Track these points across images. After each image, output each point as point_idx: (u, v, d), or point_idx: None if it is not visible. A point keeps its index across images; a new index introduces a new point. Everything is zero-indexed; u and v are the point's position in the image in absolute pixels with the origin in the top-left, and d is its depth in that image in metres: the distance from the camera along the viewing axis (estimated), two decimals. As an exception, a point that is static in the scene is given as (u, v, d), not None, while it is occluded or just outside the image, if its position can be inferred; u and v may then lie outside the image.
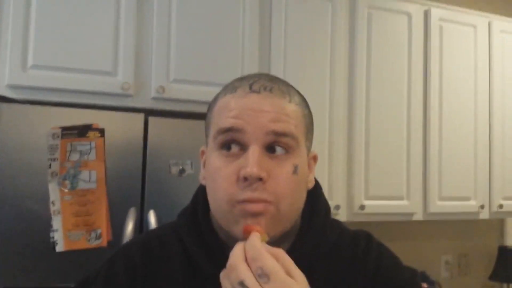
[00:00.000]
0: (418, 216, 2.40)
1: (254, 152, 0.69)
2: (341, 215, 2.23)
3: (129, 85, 1.80)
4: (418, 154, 2.40)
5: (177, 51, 1.90)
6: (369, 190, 2.29)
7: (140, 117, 1.56)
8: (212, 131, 0.75)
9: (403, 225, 2.71)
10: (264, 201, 0.70)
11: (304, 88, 2.17)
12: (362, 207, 2.25)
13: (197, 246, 0.78)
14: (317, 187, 0.85)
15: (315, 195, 0.84)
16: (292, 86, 0.80)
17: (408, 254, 2.71)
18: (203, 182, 0.79)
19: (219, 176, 0.71)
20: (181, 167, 1.55)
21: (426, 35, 2.46)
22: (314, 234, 0.80)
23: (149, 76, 1.86)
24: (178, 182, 1.53)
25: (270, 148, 0.72)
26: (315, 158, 0.82)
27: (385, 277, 0.84)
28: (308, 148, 0.79)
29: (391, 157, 2.34)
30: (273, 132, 0.71)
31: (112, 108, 1.60)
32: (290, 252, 0.74)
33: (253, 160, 0.69)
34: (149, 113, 1.59)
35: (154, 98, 1.85)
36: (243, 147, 0.71)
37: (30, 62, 1.69)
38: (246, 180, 0.69)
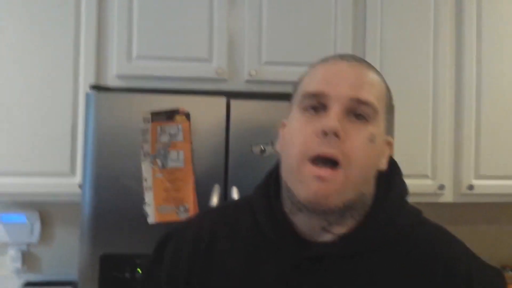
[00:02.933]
0: (538, 197, 2.13)
1: (336, 110, 0.71)
2: (446, 196, 2.06)
3: (223, 70, 1.87)
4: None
5: (268, 34, 1.90)
6: (480, 168, 2.08)
7: (223, 100, 1.61)
8: (299, 94, 0.77)
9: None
10: (336, 162, 0.70)
11: (404, 61, 2.05)
12: (471, 187, 2.06)
13: (264, 214, 0.81)
14: (395, 169, 0.82)
15: (392, 177, 0.81)
16: (376, 69, 0.81)
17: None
18: (279, 151, 0.81)
19: (298, 134, 0.73)
20: (262, 147, 1.57)
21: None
22: (383, 215, 0.77)
23: (242, 60, 1.90)
24: (259, 161, 1.56)
25: (350, 113, 0.72)
26: (390, 144, 0.80)
27: None
28: (386, 127, 0.77)
29: (506, 132, 2.09)
30: (356, 99, 0.72)
31: (204, 93, 1.67)
32: (356, 230, 0.77)
33: (333, 116, 0.70)
34: (231, 96, 1.63)
35: (247, 81, 1.89)
36: (326, 109, 0.72)
37: (134, 53, 1.83)
38: (324, 134, 0.70)
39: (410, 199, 0.84)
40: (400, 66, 2.00)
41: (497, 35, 2.09)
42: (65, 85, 1.81)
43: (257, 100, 1.65)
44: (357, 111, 0.72)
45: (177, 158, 1.54)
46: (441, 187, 2.04)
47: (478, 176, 2.08)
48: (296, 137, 0.73)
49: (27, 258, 2.09)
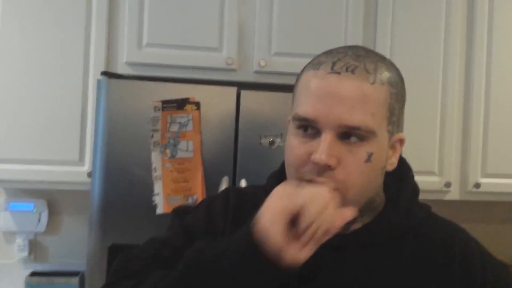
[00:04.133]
0: (545, 196, 2.10)
1: (326, 139, 0.69)
2: (453, 193, 2.04)
3: (233, 60, 1.84)
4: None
5: (279, 24, 1.87)
6: (487, 166, 2.05)
7: (233, 90, 1.58)
8: (293, 110, 0.75)
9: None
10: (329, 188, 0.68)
11: (413, 54, 2.02)
12: (478, 185, 2.03)
13: None
14: (405, 168, 0.82)
15: (403, 177, 0.82)
16: (383, 61, 0.75)
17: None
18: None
19: (292, 154, 0.73)
20: (271, 139, 1.55)
21: None
22: (400, 207, 0.79)
23: (252, 51, 1.87)
24: (268, 153, 1.54)
25: (344, 136, 0.70)
26: (401, 141, 0.78)
27: None
28: (391, 132, 0.75)
29: (514, 130, 2.07)
30: (345, 126, 0.69)
31: (214, 83, 1.65)
32: (373, 222, 0.77)
33: (323, 147, 0.68)
34: (241, 86, 1.61)
35: (257, 72, 1.87)
36: (318, 131, 0.71)
37: (145, 41, 1.80)
38: (315, 164, 0.69)
39: (417, 196, 0.84)
40: (410, 59, 1.97)
41: (509, 28, 2.06)
42: (75, 72, 1.78)
43: (267, 91, 1.62)
44: (350, 134, 0.70)
45: (187, 148, 1.52)
46: (448, 184, 2.01)
47: (485, 175, 2.05)
48: (291, 157, 0.73)
49: (34, 247, 2.07)
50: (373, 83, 0.70)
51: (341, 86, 0.69)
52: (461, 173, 2.05)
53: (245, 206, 0.82)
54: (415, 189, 0.83)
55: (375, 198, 0.78)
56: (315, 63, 0.74)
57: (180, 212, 0.88)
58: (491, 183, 2.04)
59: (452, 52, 2.02)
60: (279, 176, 0.83)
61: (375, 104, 0.70)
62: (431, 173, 2.01)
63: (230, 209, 0.83)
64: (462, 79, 2.04)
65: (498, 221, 2.40)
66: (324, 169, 0.69)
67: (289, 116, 0.80)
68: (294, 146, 0.73)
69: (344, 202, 0.68)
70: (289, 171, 0.74)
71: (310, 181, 0.69)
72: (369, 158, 0.70)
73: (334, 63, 0.71)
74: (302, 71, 0.77)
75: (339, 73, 0.70)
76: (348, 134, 0.70)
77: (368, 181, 0.72)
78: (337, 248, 0.75)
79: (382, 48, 1.93)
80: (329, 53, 0.74)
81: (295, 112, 0.73)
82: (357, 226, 0.77)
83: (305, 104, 0.72)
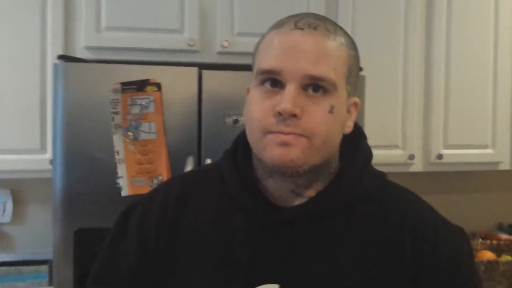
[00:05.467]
0: (505, 166, 2.16)
1: (290, 90, 0.69)
2: (416, 165, 2.07)
3: (195, 41, 1.81)
4: (506, 97, 2.13)
5: (240, 4, 1.85)
6: (448, 138, 2.09)
7: (194, 70, 1.55)
8: (255, 68, 0.74)
9: (486, 175, 2.45)
10: (296, 134, 0.69)
11: (375, 29, 2.04)
12: (440, 156, 2.07)
13: (233, 179, 0.79)
14: (359, 134, 0.82)
15: (357, 141, 0.81)
16: (340, 27, 0.76)
17: (493, 206, 2.48)
18: (244, 117, 0.79)
19: (256, 109, 0.72)
20: (235, 118, 1.53)
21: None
22: (350, 177, 0.78)
23: (214, 31, 1.84)
24: (232, 132, 1.51)
25: (307, 87, 0.71)
26: (356, 105, 0.79)
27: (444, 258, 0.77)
28: (349, 92, 0.75)
29: (474, 102, 2.10)
30: (310, 76, 0.70)
31: (177, 65, 1.61)
32: (324, 191, 0.76)
33: (288, 97, 0.69)
34: (203, 67, 1.58)
35: (220, 53, 1.84)
36: (282, 86, 0.71)
37: (103, 24, 1.75)
38: (280, 114, 0.69)
39: (381, 169, 0.84)
40: (372, 35, 1.98)
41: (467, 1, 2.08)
42: (33, 58, 1.72)
43: (229, 71, 1.60)
44: (313, 85, 0.70)
45: (149, 130, 1.49)
46: (411, 156, 2.04)
47: (447, 146, 2.09)
48: (254, 112, 0.72)
49: (1, 238, 2.02)
50: (334, 41, 0.72)
51: (304, 40, 0.71)
52: (424, 145, 2.08)
53: (187, 201, 0.82)
54: (368, 155, 0.82)
55: (331, 162, 0.78)
56: (277, 24, 0.75)
57: (113, 244, 0.86)
58: (453, 154, 2.09)
59: (412, 27, 2.04)
60: (233, 154, 0.82)
61: (337, 60, 0.72)
62: (394, 146, 2.03)
63: (167, 218, 0.81)
64: (422, 53, 2.06)
65: (461, 191, 2.46)
66: (289, 119, 0.69)
67: (248, 84, 0.79)
68: (258, 101, 0.72)
69: (310, 148, 0.70)
70: (252, 125, 0.73)
71: (277, 133, 0.69)
72: (331, 110, 0.71)
73: (296, 22, 0.73)
74: (263, 35, 0.77)
75: (302, 29, 0.71)
76: (311, 85, 0.70)
77: (331, 132, 0.72)
78: (286, 222, 0.75)
79: (344, 21, 1.92)
80: (291, 16, 0.75)
81: (258, 67, 0.73)
82: (311, 193, 0.77)
83: (269, 58, 0.72)
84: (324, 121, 0.70)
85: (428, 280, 0.75)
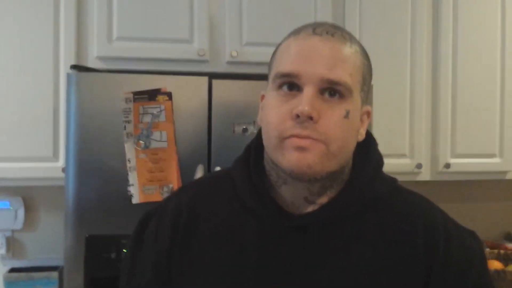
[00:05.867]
0: (513, 175, 2.15)
1: (308, 92, 0.70)
2: (424, 174, 2.07)
3: (204, 51, 1.83)
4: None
5: (249, 14, 1.86)
6: (456, 147, 2.09)
7: (205, 80, 1.57)
8: (273, 73, 0.75)
9: (494, 184, 2.44)
10: (313, 138, 0.70)
11: (381, 41, 2.04)
12: (448, 165, 2.07)
13: (245, 186, 0.80)
14: (370, 141, 0.83)
15: (368, 148, 0.82)
16: (355, 38, 0.78)
17: (500, 215, 2.46)
18: (260, 123, 0.80)
19: (273, 114, 0.73)
20: (244, 127, 1.55)
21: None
22: (362, 183, 0.78)
23: (223, 41, 1.87)
24: (241, 140, 1.53)
25: (324, 92, 0.72)
26: (368, 113, 0.80)
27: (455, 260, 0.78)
28: (363, 100, 0.77)
29: (481, 111, 2.09)
30: (327, 80, 0.71)
31: (186, 74, 1.63)
32: (336, 198, 0.77)
33: (306, 99, 0.69)
34: (213, 76, 1.60)
35: (229, 62, 1.86)
36: (299, 89, 0.72)
37: (115, 34, 1.77)
38: (297, 117, 0.69)
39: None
40: (379, 44, 1.99)
41: (474, 7, 2.09)
42: (46, 68, 1.75)
43: (238, 80, 1.61)
44: (330, 90, 0.71)
45: (160, 139, 1.51)
46: (419, 165, 2.04)
47: (455, 155, 2.09)
48: (271, 116, 0.73)
49: (12, 244, 2.04)
50: (350, 48, 0.74)
51: (322, 45, 0.72)
52: (432, 154, 2.08)
53: (199, 209, 0.82)
54: (379, 161, 0.83)
55: (345, 169, 0.78)
56: (295, 31, 0.77)
57: (133, 255, 0.87)
58: (461, 163, 2.08)
59: (419, 36, 2.05)
60: (245, 161, 0.83)
61: (352, 66, 0.73)
62: (402, 155, 2.04)
63: (180, 227, 0.81)
64: (429, 61, 2.07)
65: (468, 200, 2.45)
66: (307, 121, 0.69)
67: (263, 92, 0.81)
68: (275, 105, 0.73)
69: (327, 154, 0.71)
70: (269, 130, 0.73)
71: (293, 136, 0.70)
72: (347, 115, 0.72)
73: (314, 28, 0.74)
74: (280, 43, 0.79)
75: (320, 35, 0.73)
76: (328, 90, 0.71)
77: (347, 138, 0.73)
78: (299, 228, 0.76)
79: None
80: (308, 24, 0.77)
81: (276, 71, 0.74)
82: (323, 200, 0.77)
83: (287, 62, 0.73)
84: (339, 125, 0.71)
85: (441, 282, 0.76)
